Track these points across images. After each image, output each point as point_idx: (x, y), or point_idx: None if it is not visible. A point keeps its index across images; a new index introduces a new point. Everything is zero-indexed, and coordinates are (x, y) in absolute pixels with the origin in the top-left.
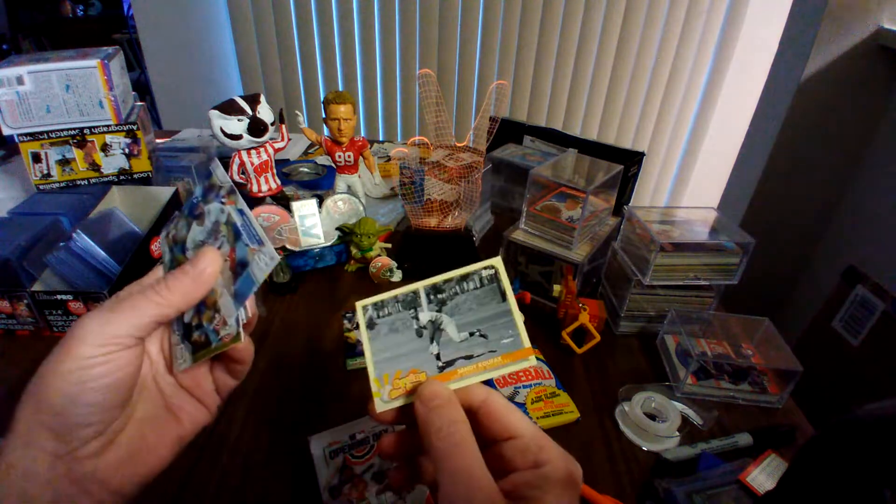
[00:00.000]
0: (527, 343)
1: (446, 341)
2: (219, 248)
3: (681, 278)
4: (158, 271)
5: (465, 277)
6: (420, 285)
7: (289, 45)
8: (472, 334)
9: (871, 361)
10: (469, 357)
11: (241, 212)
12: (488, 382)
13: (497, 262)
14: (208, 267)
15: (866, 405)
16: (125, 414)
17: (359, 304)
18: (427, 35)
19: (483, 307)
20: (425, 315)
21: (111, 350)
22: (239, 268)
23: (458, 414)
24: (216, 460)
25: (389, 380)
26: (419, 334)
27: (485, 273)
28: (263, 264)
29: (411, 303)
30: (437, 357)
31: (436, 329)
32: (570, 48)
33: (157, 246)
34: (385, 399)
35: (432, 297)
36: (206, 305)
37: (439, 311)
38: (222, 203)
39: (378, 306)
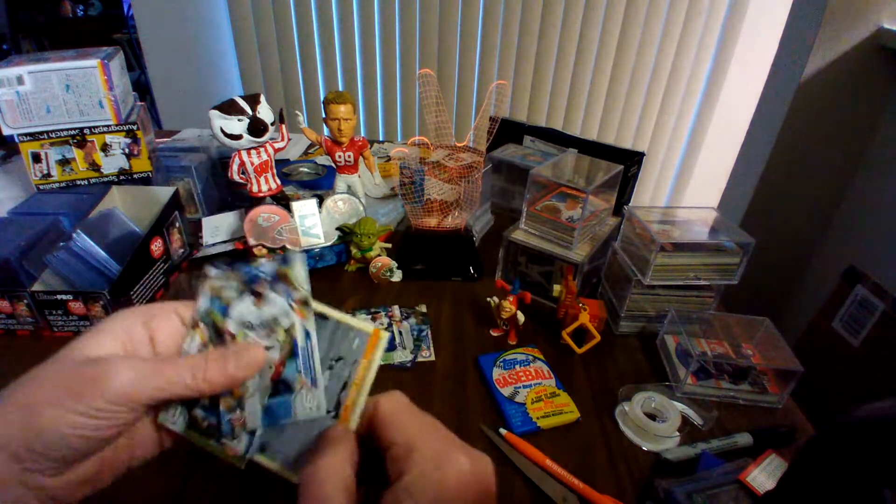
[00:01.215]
0: (366, 326)
1: (326, 392)
2: (268, 348)
3: (681, 278)
4: (188, 343)
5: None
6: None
7: (289, 45)
8: (331, 368)
9: (871, 361)
10: (345, 385)
11: (307, 334)
12: (490, 386)
13: (292, 314)
14: (248, 369)
15: (866, 405)
16: None
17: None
18: (427, 35)
19: (323, 340)
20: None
21: (122, 411)
22: (281, 385)
23: (326, 461)
24: (216, 460)
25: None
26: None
27: (301, 328)
28: (307, 408)
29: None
30: (328, 410)
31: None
32: (571, 48)
33: (157, 246)
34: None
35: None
36: (230, 394)
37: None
38: (291, 306)
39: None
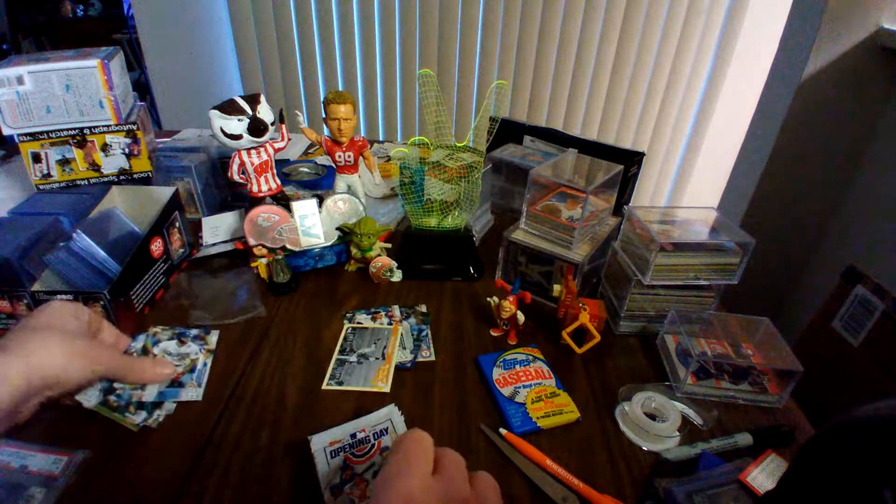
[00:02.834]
0: (389, 327)
1: (376, 347)
2: (178, 364)
3: (681, 278)
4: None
5: None
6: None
7: (289, 45)
8: (377, 341)
9: (871, 361)
10: (385, 346)
11: (205, 363)
12: (490, 386)
13: None
14: (163, 374)
15: (866, 405)
16: None
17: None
18: (427, 35)
19: (368, 332)
20: None
21: (91, 377)
22: (177, 383)
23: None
24: (216, 460)
25: None
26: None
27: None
28: (190, 395)
29: None
30: (376, 357)
31: None
32: (571, 48)
33: (157, 246)
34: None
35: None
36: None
37: None
38: (200, 350)
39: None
